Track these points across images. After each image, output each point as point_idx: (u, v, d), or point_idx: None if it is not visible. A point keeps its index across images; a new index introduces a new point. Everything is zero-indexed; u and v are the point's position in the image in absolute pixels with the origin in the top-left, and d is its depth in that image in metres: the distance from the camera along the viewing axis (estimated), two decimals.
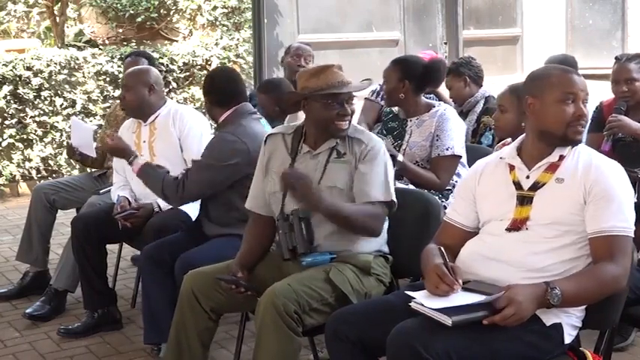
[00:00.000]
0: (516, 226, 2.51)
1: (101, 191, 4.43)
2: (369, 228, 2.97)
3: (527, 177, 2.55)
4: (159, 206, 3.94)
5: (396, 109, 4.09)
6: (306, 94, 3.02)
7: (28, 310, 4.22)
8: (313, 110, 3.04)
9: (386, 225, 3.10)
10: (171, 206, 3.87)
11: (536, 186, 2.53)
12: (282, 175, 2.90)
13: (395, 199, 3.02)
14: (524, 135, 2.65)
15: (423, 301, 2.35)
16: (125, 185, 4.15)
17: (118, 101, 4.93)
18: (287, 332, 2.71)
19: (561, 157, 2.53)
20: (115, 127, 4.61)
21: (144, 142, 4.10)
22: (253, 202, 3.21)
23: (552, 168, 2.53)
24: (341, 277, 2.88)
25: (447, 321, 2.24)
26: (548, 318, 2.39)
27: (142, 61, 4.85)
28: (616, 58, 4.22)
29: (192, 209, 3.91)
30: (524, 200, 2.53)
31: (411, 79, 3.93)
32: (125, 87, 4.10)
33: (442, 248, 2.49)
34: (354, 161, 3.00)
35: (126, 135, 4.19)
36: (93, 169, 4.85)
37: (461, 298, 2.36)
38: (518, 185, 2.56)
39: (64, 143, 7.63)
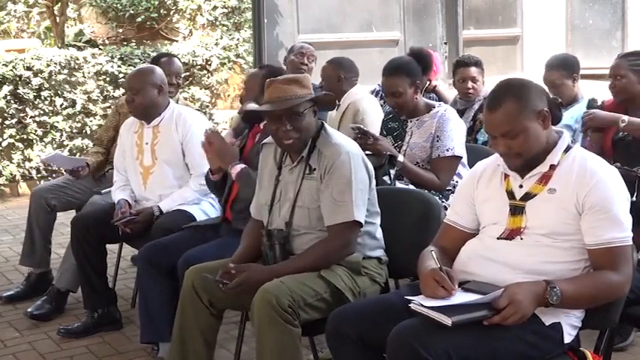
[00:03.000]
0: (510, 236, 2.50)
1: (102, 191, 4.42)
2: (330, 261, 2.94)
3: (521, 186, 2.53)
4: (160, 210, 3.92)
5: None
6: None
7: (29, 309, 4.24)
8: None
9: (379, 232, 3.10)
10: (173, 209, 3.88)
11: (527, 197, 2.51)
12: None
13: (358, 219, 2.93)
14: None
15: (423, 301, 2.35)
16: (126, 185, 4.14)
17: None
18: (284, 325, 2.72)
19: (552, 167, 2.49)
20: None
21: (146, 144, 4.06)
22: (254, 208, 3.24)
23: (545, 179, 2.49)
24: (333, 275, 2.91)
25: (447, 321, 2.24)
26: (548, 317, 2.39)
27: (175, 62, 4.79)
28: (618, 55, 4.24)
29: (197, 210, 3.92)
30: (516, 210, 2.51)
31: (418, 77, 3.93)
32: (133, 89, 3.99)
33: (434, 252, 2.48)
34: (320, 178, 2.98)
35: (126, 134, 4.17)
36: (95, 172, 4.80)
37: (460, 297, 2.36)
38: (510, 194, 2.55)
39: (64, 143, 7.65)
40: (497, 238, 2.52)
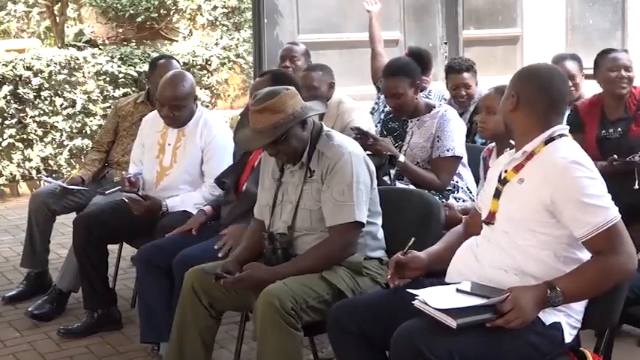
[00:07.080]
0: (487, 220, 2.55)
1: (107, 192, 4.36)
2: (332, 261, 2.94)
3: (506, 171, 2.56)
4: (167, 206, 3.90)
5: None
6: None
7: (30, 309, 4.23)
8: None
9: (381, 233, 3.11)
10: (179, 209, 3.88)
11: (504, 181, 2.54)
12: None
13: (360, 219, 2.93)
14: None
15: (427, 299, 2.36)
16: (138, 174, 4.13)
17: (131, 98, 4.89)
18: (287, 329, 2.72)
19: (526, 155, 2.49)
20: (131, 123, 4.62)
21: (168, 144, 4.02)
22: (257, 208, 3.23)
23: (518, 168, 2.51)
24: (335, 276, 2.91)
25: (452, 323, 2.24)
26: (548, 317, 2.39)
27: (174, 64, 4.70)
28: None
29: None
30: (497, 193, 2.54)
31: (417, 77, 3.95)
32: (174, 107, 3.91)
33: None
34: (320, 179, 2.98)
35: (149, 129, 4.15)
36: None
37: (464, 299, 2.36)
38: (499, 176, 2.58)
39: (64, 143, 7.65)
40: (483, 221, 2.57)
